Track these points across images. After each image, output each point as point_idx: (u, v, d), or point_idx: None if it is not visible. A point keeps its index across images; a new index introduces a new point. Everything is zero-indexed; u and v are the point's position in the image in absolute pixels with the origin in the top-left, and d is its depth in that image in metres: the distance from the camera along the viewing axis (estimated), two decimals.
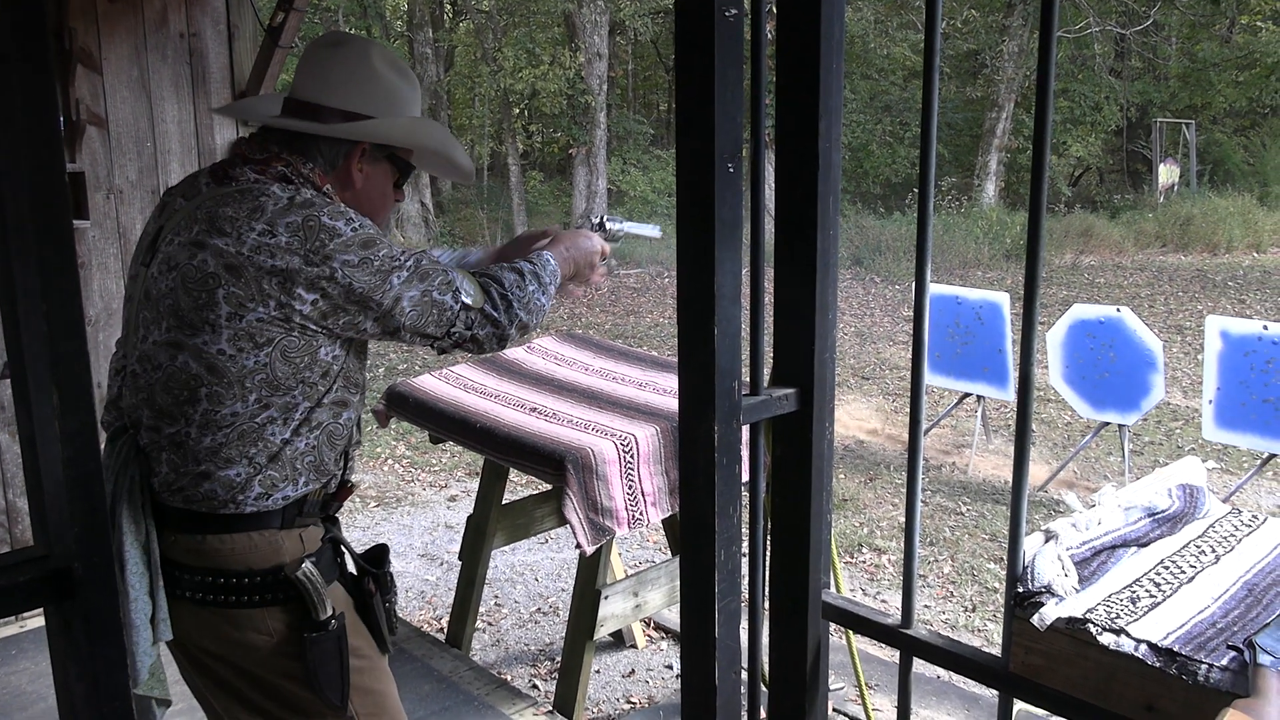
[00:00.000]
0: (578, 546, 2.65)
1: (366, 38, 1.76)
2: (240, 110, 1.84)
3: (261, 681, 1.61)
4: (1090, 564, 1.48)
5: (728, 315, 1.35)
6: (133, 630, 1.50)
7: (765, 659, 1.70)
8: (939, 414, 6.68)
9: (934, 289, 5.96)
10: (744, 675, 1.51)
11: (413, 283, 1.57)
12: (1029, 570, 1.41)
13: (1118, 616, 1.33)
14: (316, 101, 1.64)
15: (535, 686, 3.50)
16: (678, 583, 1.50)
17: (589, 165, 15.54)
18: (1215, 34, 19.16)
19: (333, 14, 16.59)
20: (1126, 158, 19.97)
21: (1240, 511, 1.71)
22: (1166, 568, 1.50)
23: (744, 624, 1.52)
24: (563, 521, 2.60)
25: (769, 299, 1.54)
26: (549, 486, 3.19)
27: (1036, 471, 5.84)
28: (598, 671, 3.55)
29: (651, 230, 2.29)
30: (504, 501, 3.30)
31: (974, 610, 4.19)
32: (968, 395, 6.14)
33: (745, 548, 1.55)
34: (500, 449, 2.82)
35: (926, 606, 4.22)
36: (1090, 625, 1.32)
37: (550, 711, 2.89)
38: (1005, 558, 1.45)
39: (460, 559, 3.38)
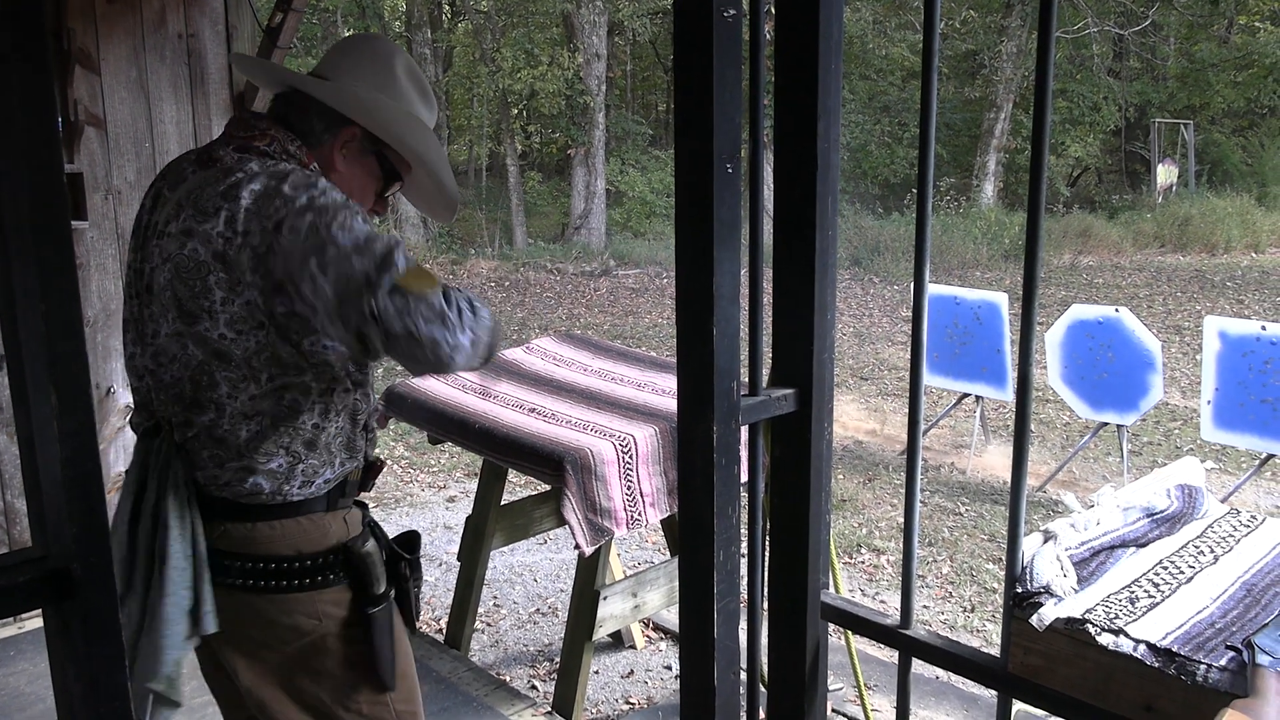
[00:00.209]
0: (576, 547, 2.65)
1: (395, 44, 1.78)
2: (259, 64, 1.82)
3: (307, 668, 1.62)
4: (1089, 564, 1.48)
5: (726, 315, 1.35)
6: (164, 624, 1.50)
7: (764, 659, 1.70)
8: (938, 414, 6.69)
9: (932, 289, 5.96)
10: (743, 676, 1.51)
11: (346, 247, 1.42)
12: (1028, 570, 1.41)
13: (1116, 617, 1.33)
14: (326, 74, 1.66)
15: (534, 687, 3.50)
16: (676, 583, 1.51)
17: (587, 166, 15.54)
18: (1213, 34, 19.17)
19: (331, 15, 16.58)
20: (1125, 158, 19.98)
21: (1239, 512, 1.71)
22: (1165, 568, 1.50)
23: (743, 624, 1.52)
24: (561, 522, 2.60)
25: (768, 299, 1.54)
26: (548, 487, 3.19)
27: (1035, 472, 5.85)
28: (596, 672, 3.55)
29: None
30: (503, 502, 3.30)
31: (973, 611, 4.19)
32: (966, 395, 6.14)
33: (744, 548, 1.55)
34: (499, 450, 2.82)
35: (925, 607, 4.22)
36: (1089, 625, 1.32)
37: (549, 712, 2.89)
38: (1004, 558, 1.45)
39: (459, 560, 3.38)
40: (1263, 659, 1.18)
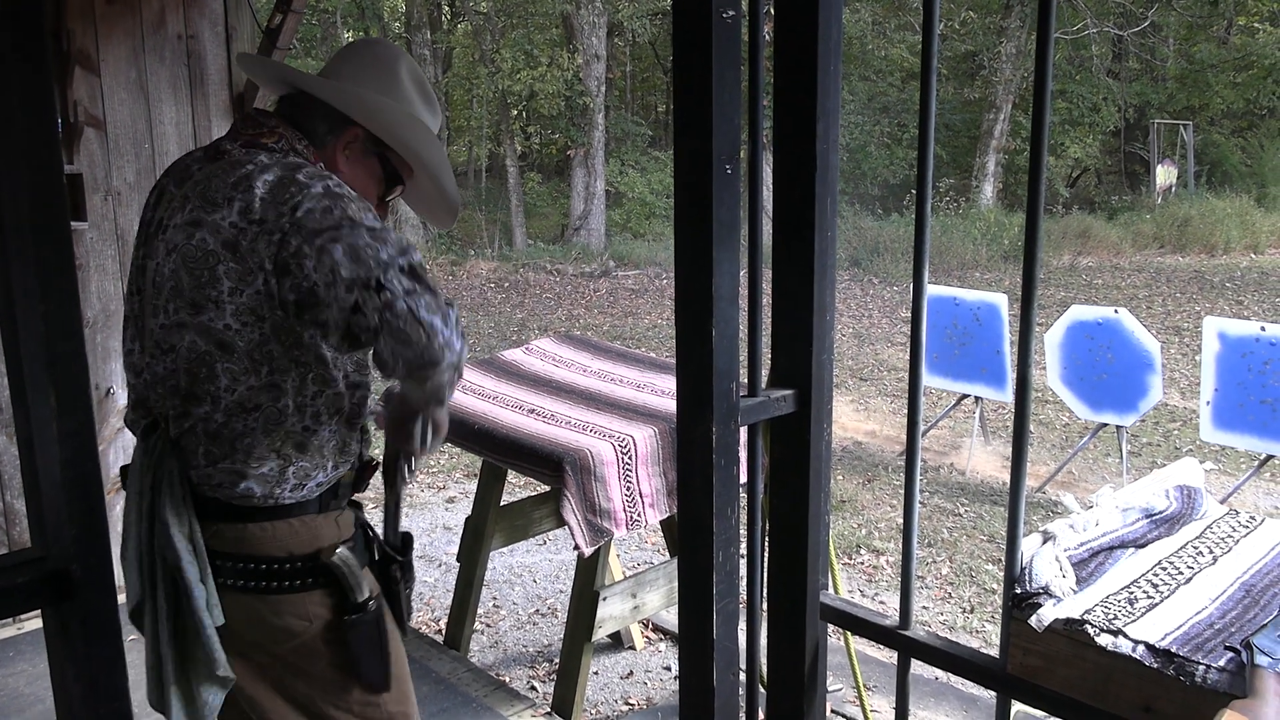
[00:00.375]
0: (576, 548, 2.65)
1: (401, 49, 1.78)
2: (263, 64, 1.83)
3: (299, 669, 1.63)
4: (1088, 565, 1.48)
5: (725, 316, 1.35)
6: (201, 616, 1.51)
7: (763, 660, 1.70)
8: (937, 415, 6.69)
9: (932, 290, 5.97)
10: (742, 677, 1.51)
11: (365, 238, 1.42)
12: (1027, 571, 1.41)
13: (1115, 617, 1.33)
14: (330, 78, 1.67)
15: (534, 688, 3.49)
16: (676, 584, 1.50)
17: (587, 167, 15.55)
18: (1213, 35, 19.17)
19: (331, 16, 16.59)
20: (1124, 159, 19.99)
21: (1238, 512, 1.71)
22: (1164, 569, 1.50)
23: (742, 625, 1.52)
24: (561, 523, 2.60)
25: (767, 300, 1.54)
26: (547, 488, 3.19)
27: (1035, 472, 5.85)
28: (596, 673, 3.55)
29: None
30: (502, 503, 3.30)
31: (972, 611, 4.19)
32: (966, 396, 6.14)
33: (743, 549, 1.55)
34: (498, 450, 2.82)
35: (925, 608, 4.22)
36: (1088, 626, 1.32)
37: (548, 713, 2.89)
38: (1003, 559, 1.45)
39: (458, 560, 3.38)
40: (1261, 660, 1.19)
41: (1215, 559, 1.53)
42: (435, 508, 5.35)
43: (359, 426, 1.68)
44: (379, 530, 1.78)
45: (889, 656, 3.55)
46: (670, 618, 3.81)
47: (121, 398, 3.46)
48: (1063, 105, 17.09)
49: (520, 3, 16.76)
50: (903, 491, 1.53)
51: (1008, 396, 5.78)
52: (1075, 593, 1.40)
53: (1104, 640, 1.30)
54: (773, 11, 1.48)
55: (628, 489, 2.69)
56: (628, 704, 3.40)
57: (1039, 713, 1.47)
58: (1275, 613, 1.33)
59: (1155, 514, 1.63)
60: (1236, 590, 1.43)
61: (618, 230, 16.06)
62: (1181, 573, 1.48)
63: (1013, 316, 5.95)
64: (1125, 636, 1.29)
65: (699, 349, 1.36)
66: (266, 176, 1.48)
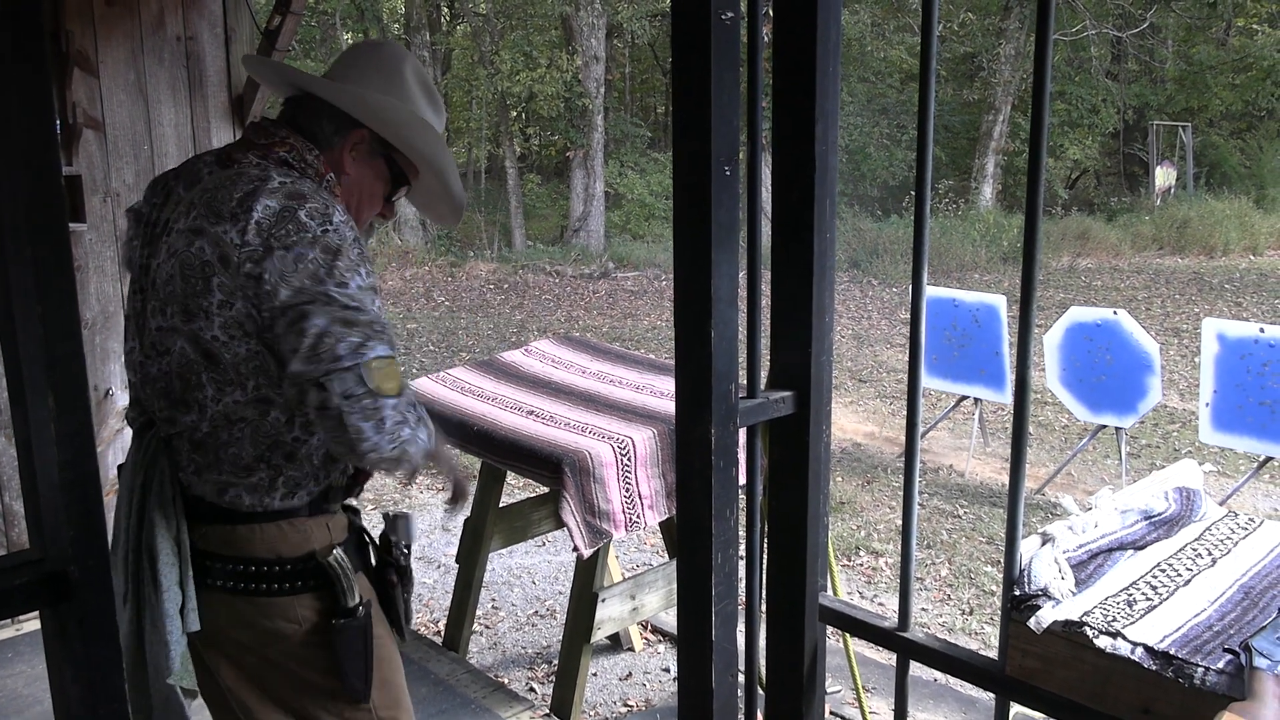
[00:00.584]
0: (575, 549, 2.65)
1: (404, 47, 1.78)
2: (268, 65, 1.82)
3: (287, 672, 1.62)
4: (1087, 567, 1.48)
5: (724, 318, 1.35)
6: (166, 620, 1.51)
7: (762, 662, 1.70)
8: (936, 417, 6.69)
9: (931, 292, 5.96)
10: (741, 678, 1.51)
11: (335, 320, 1.44)
12: (1026, 573, 1.41)
13: (1114, 619, 1.33)
14: (335, 80, 1.67)
15: (532, 689, 3.49)
16: (675, 585, 1.50)
17: (586, 168, 15.55)
18: (1211, 37, 19.19)
19: (330, 17, 16.59)
20: (1123, 160, 20.00)
21: (1237, 514, 1.71)
22: (1163, 571, 1.50)
23: (741, 627, 1.52)
24: (560, 524, 2.60)
25: (766, 302, 1.54)
26: (546, 489, 3.19)
27: (1033, 474, 5.85)
28: (595, 675, 3.54)
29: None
30: (501, 504, 3.30)
31: (971, 613, 4.19)
32: (965, 398, 6.14)
33: (742, 551, 1.55)
34: (497, 452, 2.82)
35: (924, 609, 4.22)
36: (1087, 628, 1.32)
37: (547, 714, 2.89)
38: (1002, 561, 1.45)
39: (457, 562, 3.38)
40: (1260, 662, 1.19)
41: (1214, 561, 1.53)
42: (434, 509, 5.35)
43: None
44: (375, 535, 1.77)
45: (888, 658, 3.55)
46: (669, 619, 3.81)
47: (121, 399, 3.46)
48: (1062, 107, 17.10)
49: (519, 4, 16.77)
50: (902, 493, 1.53)
51: (1007, 398, 5.78)
52: (1074, 595, 1.40)
53: (1103, 642, 1.30)
54: (771, 13, 1.48)
55: (626, 491, 2.69)
56: (626, 705, 3.40)
57: (1038, 715, 1.47)
58: (1274, 615, 1.33)
59: (1154, 516, 1.63)
60: (1235, 592, 1.43)
61: (617, 232, 16.07)
62: (1180, 575, 1.48)
63: (1012, 318, 5.95)
64: (1124, 638, 1.29)
65: (698, 350, 1.36)
66: (269, 202, 1.46)
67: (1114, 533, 1.58)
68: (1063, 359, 5.54)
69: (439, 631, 3.78)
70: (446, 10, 19.27)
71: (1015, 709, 1.48)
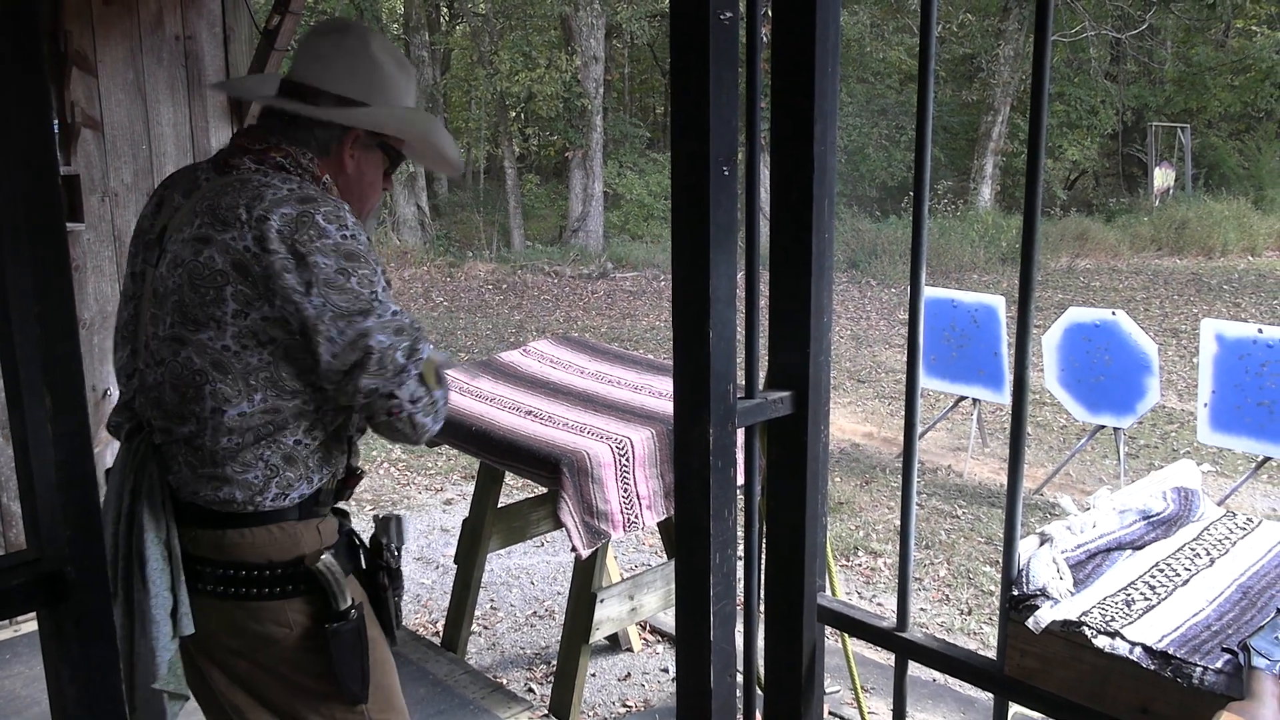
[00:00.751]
0: (573, 550, 2.65)
1: (366, 26, 1.76)
2: (237, 87, 1.83)
3: (279, 676, 1.62)
4: (1085, 567, 1.48)
5: (723, 318, 1.35)
6: (153, 625, 1.51)
7: (760, 662, 1.70)
8: (935, 417, 6.69)
9: (930, 292, 5.97)
10: (739, 679, 1.51)
11: (387, 330, 1.51)
12: (1024, 573, 1.41)
13: (1112, 619, 1.33)
14: (314, 85, 1.64)
15: (531, 690, 3.49)
16: (673, 586, 1.50)
17: (585, 168, 15.55)
18: (1210, 38, 19.20)
19: (329, 16, 16.57)
20: (1122, 161, 20.01)
21: (1235, 514, 1.71)
22: (1161, 570, 1.50)
23: (739, 627, 1.52)
24: (558, 525, 2.60)
25: (764, 302, 1.54)
26: (545, 490, 3.18)
27: (1032, 474, 5.85)
28: (593, 675, 3.54)
29: (443, 357, 2.07)
30: (499, 505, 3.29)
31: (970, 613, 4.19)
32: (963, 398, 6.14)
33: (740, 551, 1.55)
34: (496, 452, 2.81)
35: (922, 610, 4.22)
36: (1085, 628, 1.32)
37: (546, 715, 2.89)
38: (1001, 561, 1.45)
39: (456, 563, 3.37)
40: (1258, 661, 1.19)
41: (1212, 561, 1.53)
42: (433, 510, 5.35)
43: (347, 437, 1.68)
44: (365, 538, 1.77)
45: (886, 658, 3.55)
46: (668, 620, 3.81)
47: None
48: (1060, 108, 17.11)
49: (519, 4, 16.77)
50: (900, 493, 1.53)
51: (1005, 398, 5.78)
52: (1072, 595, 1.40)
53: (1101, 642, 1.30)
54: (770, 13, 1.48)
55: (625, 491, 2.69)
56: (625, 706, 3.40)
57: (1036, 714, 1.47)
58: (1272, 615, 1.33)
59: (1152, 516, 1.63)
60: (1234, 592, 1.43)
61: (616, 232, 16.07)
62: (1179, 575, 1.48)
63: (1010, 318, 5.95)
64: (1122, 638, 1.29)
65: (696, 351, 1.36)
66: (285, 210, 1.47)
67: (1112, 533, 1.58)
68: (1061, 359, 5.54)
69: (437, 632, 3.78)
70: (445, 10, 19.27)
71: (1014, 709, 1.48)
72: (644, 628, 3.84)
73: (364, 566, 1.75)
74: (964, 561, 4.68)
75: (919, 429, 1.53)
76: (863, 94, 17.70)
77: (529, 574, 4.47)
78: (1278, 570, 1.50)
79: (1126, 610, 1.36)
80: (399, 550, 1.78)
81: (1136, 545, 1.57)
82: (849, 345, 9.47)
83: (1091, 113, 17.47)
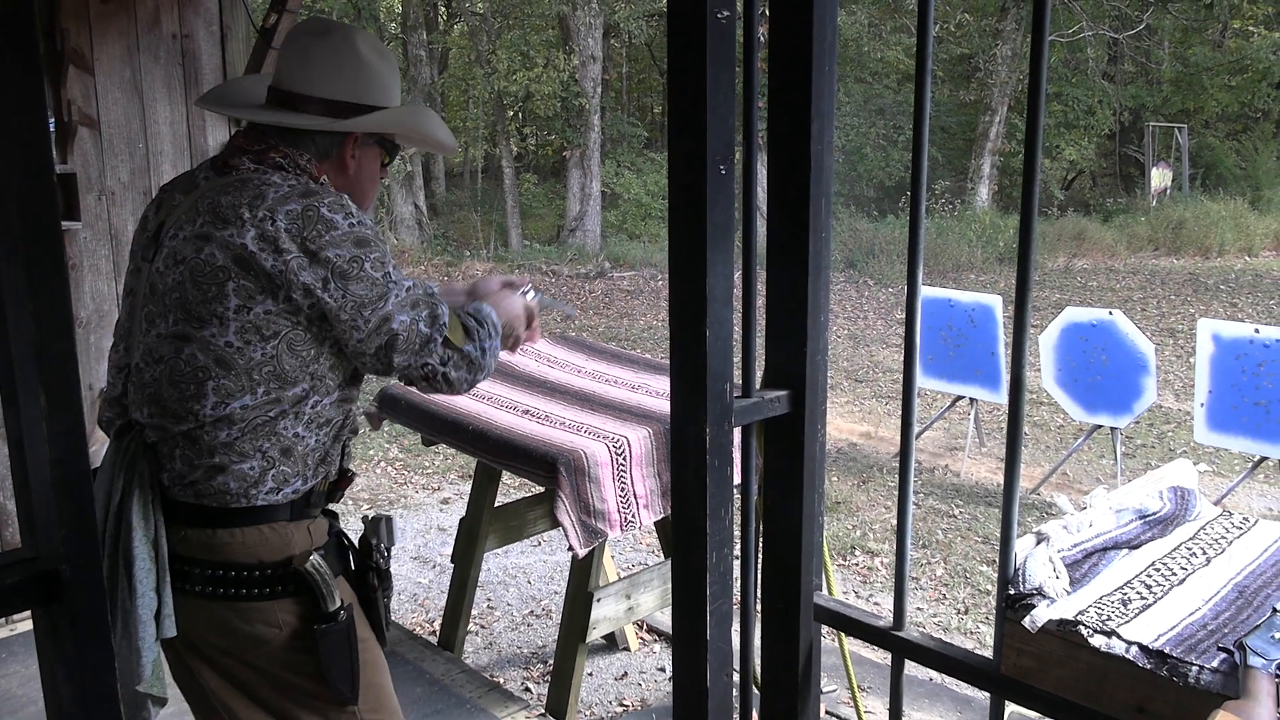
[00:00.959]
0: (570, 549, 2.64)
1: (349, 25, 1.76)
2: (223, 98, 1.82)
3: (269, 675, 1.62)
4: (1081, 566, 1.48)
5: (719, 317, 1.35)
6: (139, 626, 1.51)
7: (757, 661, 1.70)
8: (932, 417, 6.69)
9: (927, 292, 5.97)
10: (736, 678, 1.51)
11: (405, 308, 1.56)
12: (1020, 572, 1.41)
13: (1109, 618, 1.33)
14: (304, 93, 1.64)
15: (528, 689, 3.49)
16: (670, 585, 1.50)
17: (583, 168, 15.54)
18: (1208, 39, 19.23)
19: (326, 15, 16.56)
20: (1119, 161, 20.03)
21: (1231, 514, 1.71)
22: (1158, 570, 1.50)
23: (736, 626, 1.52)
24: (555, 524, 2.60)
25: (761, 301, 1.54)
26: (541, 489, 3.18)
27: (1029, 474, 5.85)
28: (590, 674, 3.54)
29: (568, 309, 2.29)
30: (496, 504, 3.29)
31: (967, 613, 4.19)
32: (960, 398, 6.15)
33: (737, 550, 1.55)
34: (493, 451, 2.81)
35: (919, 609, 4.22)
36: (1081, 627, 1.32)
37: (542, 714, 2.89)
38: (998, 560, 1.45)
39: (453, 562, 3.37)
40: (1254, 661, 1.19)
41: (1209, 560, 1.53)
42: (430, 509, 5.35)
43: (342, 439, 1.68)
44: (354, 539, 1.77)
45: (883, 658, 3.55)
46: (665, 619, 3.81)
47: None
48: (1058, 108, 17.13)
49: (517, 4, 16.75)
50: (897, 493, 1.53)
51: (1003, 398, 5.79)
52: (1069, 594, 1.40)
53: (1097, 641, 1.30)
54: (767, 12, 1.48)
55: (622, 490, 2.69)
56: (622, 705, 3.40)
57: (1033, 714, 1.47)
58: (1268, 614, 1.33)
59: (1149, 515, 1.63)
60: (1230, 591, 1.43)
61: (613, 231, 16.06)
62: (1175, 574, 1.48)
63: (1007, 318, 5.96)
64: (1119, 637, 1.29)
65: (693, 350, 1.36)
66: (290, 207, 1.50)
67: (1109, 532, 1.58)
68: (1058, 359, 5.55)
69: (434, 631, 3.78)
70: (443, 9, 19.26)
71: (1010, 708, 1.48)
72: (641, 627, 3.84)
73: (353, 567, 1.75)
74: (961, 561, 4.68)
75: (916, 428, 1.53)
76: (860, 94, 17.70)
77: (526, 573, 4.47)
78: (1274, 569, 1.51)
79: (1123, 609, 1.36)
80: (388, 551, 1.78)
81: (1133, 545, 1.57)
82: (846, 345, 9.47)
83: (1089, 113, 17.49)
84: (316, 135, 1.64)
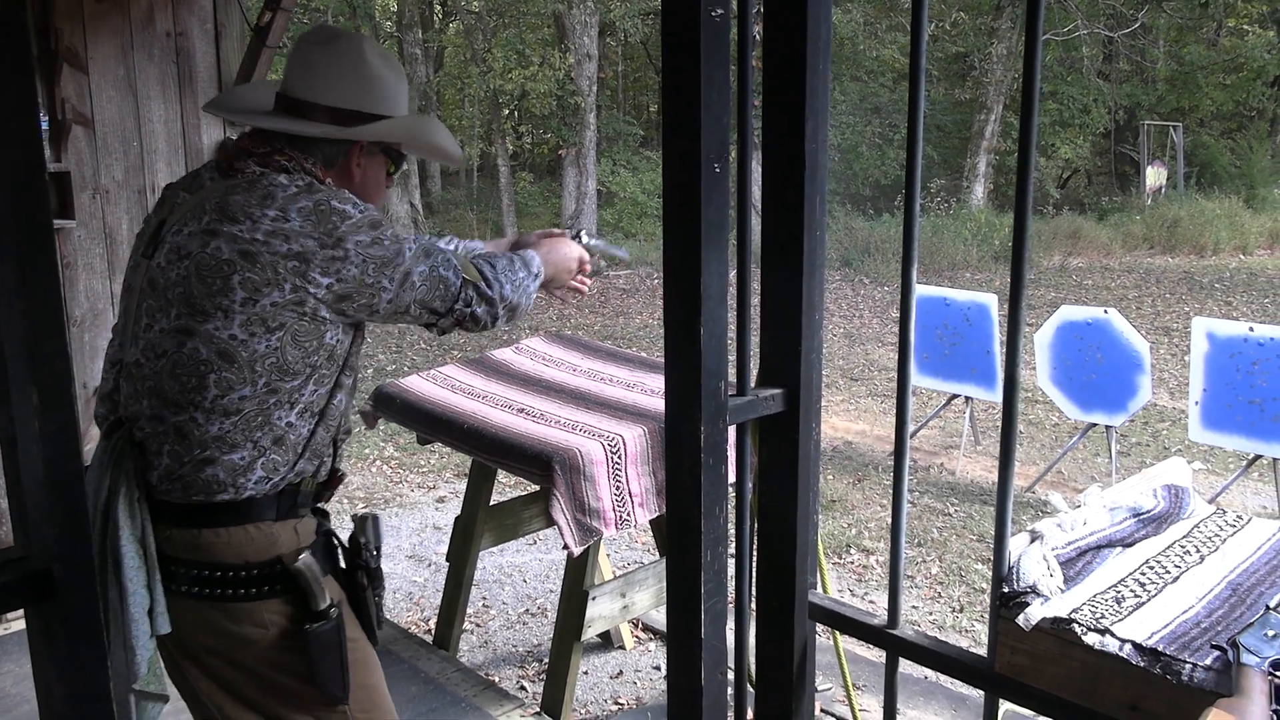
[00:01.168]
0: (565, 547, 2.64)
1: (357, 33, 1.77)
2: (230, 104, 1.83)
3: (258, 675, 1.61)
4: (1075, 564, 1.48)
5: (714, 316, 1.35)
6: (132, 624, 1.51)
7: (752, 660, 1.70)
8: (927, 415, 6.70)
9: (922, 290, 5.97)
10: (730, 676, 1.51)
11: (420, 258, 1.63)
12: (1014, 570, 1.41)
13: (1103, 616, 1.33)
14: (310, 100, 1.66)
15: (523, 688, 3.49)
16: (665, 583, 1.50)
17: (578, 167, 15.53)
18: (1202, 37, 19.26)
19: (321, 14, 16.53)
20: (1114, 160, 20.07)
21: (1225, 512, 1.71)
22: (1151, 568, 1.50)
23: (731, 625, 1.52)
24: (550, 522, 2.60)
25: (756, 300, 1.54)
26: (537, 487, 3.18)
27: (1024, 472, 5.86)
28: (585, 673, 3.54)
29: (621, 253, 2.36)
30: (492, 502, 3.29)
31: (961, 611, 4.20)
32: (956, 396, 6.16)
33: (732, 548, 1.55)
34: (488, 450, 2.81)
35: (914, 607, 4.22)
36: (1075, 625, 1.32)
37: (538, 713, 2.89)
38: (992, 558, 1.45)
39: (448, 560, 3.37)
40: (1247, 658, 1.19)
41: (1202, 558, 1.53)
42: (425, 507, 5.34)
43: (334, 430, 1.68)
44: (344, 539, 1.77)
45: (878, 656, 3.55)
46: (660, 617, 3.81)
47: None
48: (1053, 106, 17.14)
49: (512, 2, 16.74)
50: (892, 491, 1.53)
51: (998, 396, 5.79)
52: (1063, 592, 1.41)
53: (1091, 639, 1.30)
54: (762, 11, 1.48)
55: (617, 488, 2.69)
56: (617, 704, 3.40)
57: (1027, 711, 1.47)
58: (1261, 612, 1.33)
59: (1143, 513, 1.63)
60: (1223, 589, 1.43)
61: (609, 230, 16.05)
62: (1169, 572, 1.49)
63: (1003, 317, 5.96)
64: (1112, 635, 1.29)
65: (688, 348, 1.36)
66: (301, 204, 1.54)
67: (1103, 530, 1.58)
68: (1053, 357, 5.56)
69: (429, 630, 3.78)
70: (439, 7, 19.24)
71: (1005, 706, 1.48)
72: (636, 625, 3.84)
73: (342, 566, 1.75)
74: (955, 559, 4.69)
75: (911, 427, 1.54)
76: (856, 92, 17.71)
77: (521, 572, 4.47)
78: (1267, 567, 1.51)
79: (1116, 607, 1.37)
80: (377, 549, 1.78)
81: (1127, 542, 1.57)
82: (842, 343, 9.48)
83: (1084, 111, 17.51)
84: (322, 143, 1.66)
